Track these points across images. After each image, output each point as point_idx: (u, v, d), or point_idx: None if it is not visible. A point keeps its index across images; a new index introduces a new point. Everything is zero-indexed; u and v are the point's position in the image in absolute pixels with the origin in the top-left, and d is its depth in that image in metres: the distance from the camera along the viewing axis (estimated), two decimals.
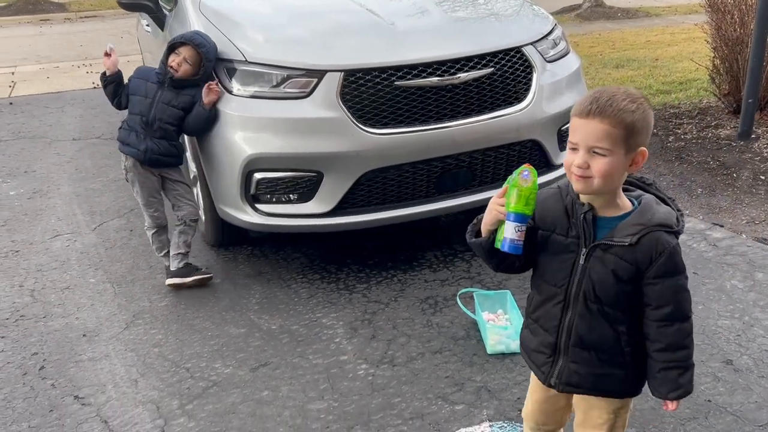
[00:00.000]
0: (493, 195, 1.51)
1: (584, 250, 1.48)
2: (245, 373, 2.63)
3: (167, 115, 3.11)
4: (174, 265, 3.26)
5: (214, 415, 2.40)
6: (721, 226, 3.65)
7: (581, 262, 1.49)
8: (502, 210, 1.46)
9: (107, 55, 3.22)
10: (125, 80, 3.26)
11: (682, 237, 3.48)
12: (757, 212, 3.80)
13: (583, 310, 1.51)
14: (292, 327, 2.93)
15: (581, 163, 1.40)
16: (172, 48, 3.13)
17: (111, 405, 2.49)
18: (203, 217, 3.63)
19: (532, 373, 1.72)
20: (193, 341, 2.87)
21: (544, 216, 1.52)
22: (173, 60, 3.09)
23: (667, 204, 1.49)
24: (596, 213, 1.47)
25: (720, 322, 2.77)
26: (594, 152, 1.39)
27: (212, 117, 3.10)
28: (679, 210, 1.49)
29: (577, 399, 1.67)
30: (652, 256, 1.42)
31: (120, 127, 3.21)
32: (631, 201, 1.48)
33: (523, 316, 1.71)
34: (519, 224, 1.44)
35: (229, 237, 3.63)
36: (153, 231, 3.31)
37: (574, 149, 1.43)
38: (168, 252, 3.30)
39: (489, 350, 2.65)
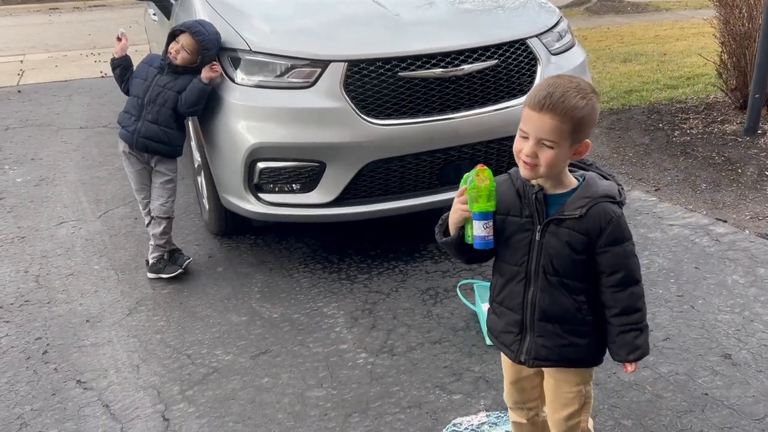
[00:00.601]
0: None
1: (539, 227, 1.58)
2: (246, 360, 2.65)
3: (162, 97, 3.12)
4: (149, 258, 3.32)
5: (214, 401, 2.43)
6: (725, 221, 3.64)
7: (537, 238, 1.59)
8: (466, 208, 1.55)
9: (119, 39, 3.27)
10: (134, 67, 3.28)
11: (684, 231, 3.52)
12: (761, 208, 3.78)
13: (544, 283, 1.60)
14: (293, 316, 2.96)
15: (530, 152, 1.50)
16: (173, 36, 3.15)
17: (113, 389, 2.52)
18: (207, 206, 3.65)
19: (502, 355, 1.81)
20: (195, 328, 2.89)
21: (499, 201, 1.59)
22: (173, 47, 3.11)
23: (607, 179, 1.61)
24: (546, 192, 1.58)
25: (720, 316, 2.77)
26: (542, 143, 1.48)
27: (206, 90, 3.09)
28: (619, 184, 1.62)
29: (546, 380, 1.76)
30: (601, 225, 1.54)
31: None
32: (576, 179, 1.60)
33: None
34: (485, 221, 1.54)
35: (232, 226, 3.65)
36: (147, 221, 3.31)
37: (524, 137, 1.52)
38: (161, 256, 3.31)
39: (488, 341, 2.67)
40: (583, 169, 1.64)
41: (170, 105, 3.13)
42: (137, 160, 3.22)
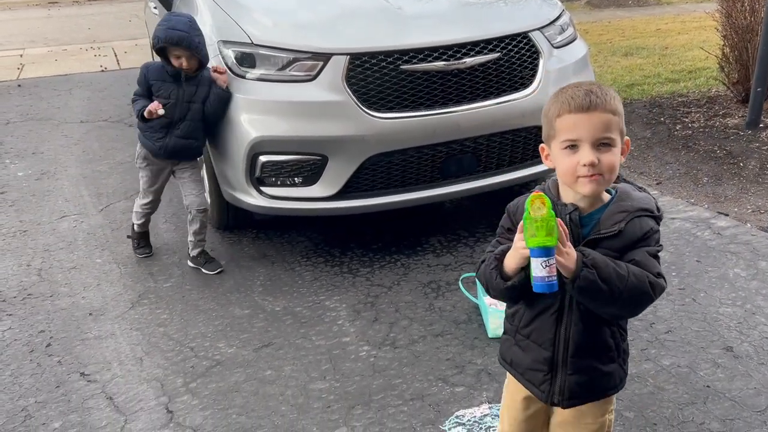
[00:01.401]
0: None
1: None
2: (249, 353, 2.66)
3: (192, 113, 3.08)
4: (191, 251, 3.34)
5: (217, 393, 2.44)
6: (726, 215, 3.64)
7: None
8: (523, 245, 1.31)
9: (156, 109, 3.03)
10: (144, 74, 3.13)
11: (685, 225, 3.52)
12: (762, 201, 3.79)
13: (579, 315, 1.42)
14: (296, 309, 2.96)
15: (593, 159, 1.31)
16: (160, 51, 3.03)
17: (116, 382, 2.53)
18: (209, 200, 3.65)
19: (506, 390, 1.63)
20: (198, 321, 2.90)
21: None
22: (176, 61, 3.02)
23: (641, 191, 1.45)
24: (582, 212, 1.40)
25: (722, 309, 2.78)
26: (601, 145, 1.33)
27: (226, 97, 3.10)
28: (654, 198, 1.45)
29: (561, 412, 1.54)
30: (637, 237, 1.37)
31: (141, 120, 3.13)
32: (608, 191, 1.43)
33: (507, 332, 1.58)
34: (545, 259, 1.28)
35: (234, 220, 3.66)
36: (143, 202, 3.37)
37: (572, 147, 1.35)
38: (136, 232, 3.48)
39: (490, 334, 2.67)
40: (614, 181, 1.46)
41: (199, 117, 3.11)
42: (158, 167, 3.24)
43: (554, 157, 1.41)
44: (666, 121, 5.21)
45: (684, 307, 2.81)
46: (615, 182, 1.43)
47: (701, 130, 4.98)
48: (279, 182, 3.16)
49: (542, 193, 1.29)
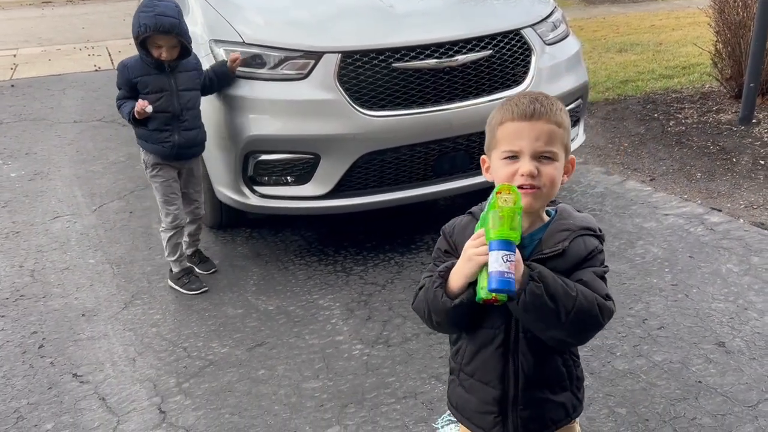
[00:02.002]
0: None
1: None
2: (242, 353, 2.66)
3: (191, 101, 2.98)
4: (185, 251, 3.25)
5: (210, 393, 2.43)
6: (719, 210, 3.65)
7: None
8: (484, 251, 1.20)
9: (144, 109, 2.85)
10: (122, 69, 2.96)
11: (678, 221, 3.53)
12: (755, 197, 3.79)
13: (527, 346, 1.31)
14: (289, 308, 2.96)
15: (532, 169, 1.24)
16: (141, 43, 2.83)
17: (109, 383, 2.52)
18: (201, 199, 3.64)
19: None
20: (191, 321, 2.89)
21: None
22: (156, 52, 2.84)
23: (580, 212, 1.38)
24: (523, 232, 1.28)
25: (714, 305, 2.79)
26: (542, 158, 1.26)
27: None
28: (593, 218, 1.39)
29: None
30: (583, 255, 1.30)
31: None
32: (547, 212, 1.35)
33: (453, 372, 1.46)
34: (506, 253, 1.17)
35: (227, 219, 3.65)
36: (171, 233, 3.07)
37: (512, 158, 1.27)
38: (179, 257, 3.14)
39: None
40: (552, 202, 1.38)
41: (198, 104, 3.03)
42: (171, 168, 3.04)
43: (494, 168, 1.32)
44: (659, 117, 5.22)
45: (677, 303, 2.82)
46: (551, 203, 1.36)
47: (694, 126, 4.98)
48: (272, 181, 3.16)
49: (511, 185, 1.21)
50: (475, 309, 1.28)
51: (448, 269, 1.30)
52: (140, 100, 2.83)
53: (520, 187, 1.24)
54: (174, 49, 2.87)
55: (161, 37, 2.81)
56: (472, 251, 1.23)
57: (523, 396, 1.35)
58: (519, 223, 1.19)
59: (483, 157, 1.38)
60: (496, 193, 1.20)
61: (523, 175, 1.25)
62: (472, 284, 1.25)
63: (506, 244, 1.18)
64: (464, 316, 1.30)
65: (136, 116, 2.85)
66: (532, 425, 1.37)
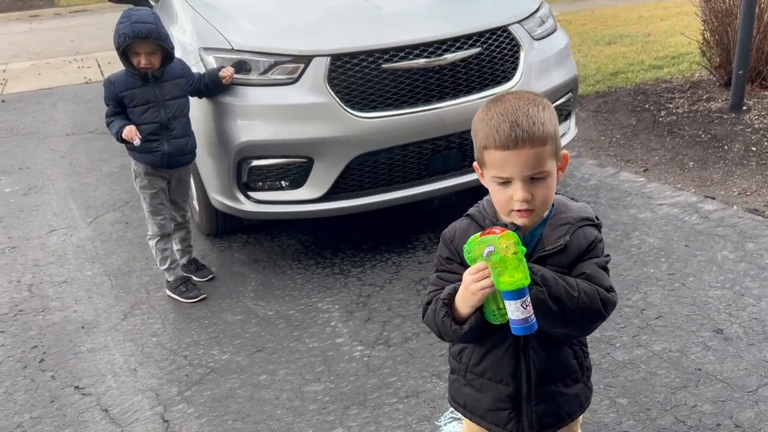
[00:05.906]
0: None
1: None
2: (242, 359, 2.66)
3: (179, 109, 2.97)
4: (180, 261, 3.26)
5: (212, 401, 2.44)
6: (713, 198, 3.66)
7: None
8: (489, 284, 1.21)
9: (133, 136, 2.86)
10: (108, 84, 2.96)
11: (673, 210, 3.54)
12: (748, 183, 3.81)
13: (538, 342, 1.34)
14: (288, 312, 2.96)
15: (526, 196, 1.25)
16: (124, 53, 2.84)
17: (111, 394, 2.52)
18: (197, 208, 3.65)
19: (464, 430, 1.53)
20: (191, 329, 2.90)
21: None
22: (137, 60, 2.84)
23: (576, 201, 1.41)
24: (523, 230, 1.31)
25: (711, 292, 2.80)
26: (534, 180, 1.26)
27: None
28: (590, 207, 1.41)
29: None
30: (584, 247, 1.32)
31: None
32: None
33: (457, 372, 1.49)
34: (523, 299, 1.19)
35: (223, 226, 3.66)
36: (157, 239, 3.09)
37: (504, 183, 1.27)
38: (171, 264, 3.14)
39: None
40: None
41: (187, 111, 3.03)
42: (161, 178, 3.04)
43: (487, 184, 1.34)
44: (651, 108, 5.24)
45: (674, 291, 2.83)
46: None
47: (685, 115, 5.00)
48: (266, 186, 3.16)
49: (508, 231, 1.20)
50: (485, 325, 1.30)
51: (451, 296, 1.30)
52: (129, 129, 2.83)
53: (517, 210, 1.27)
54: (155, 56, 2.87)
55: (141, 43, 2.80)
56: (474, 286, 1.23)
57: (536, 391, 1.37)
58: (525, 263, 1.19)
59: (475, 164, 1.38)
60: (498, 242, 1.18)
61: (518, 201, 1.26)
62: (480, 308, 1.28)
63: (521, 292, 1.19)
64: (476, 334, 1.32)
65: (124, 138, 2.84)
66: (547, 419, 1.39)
